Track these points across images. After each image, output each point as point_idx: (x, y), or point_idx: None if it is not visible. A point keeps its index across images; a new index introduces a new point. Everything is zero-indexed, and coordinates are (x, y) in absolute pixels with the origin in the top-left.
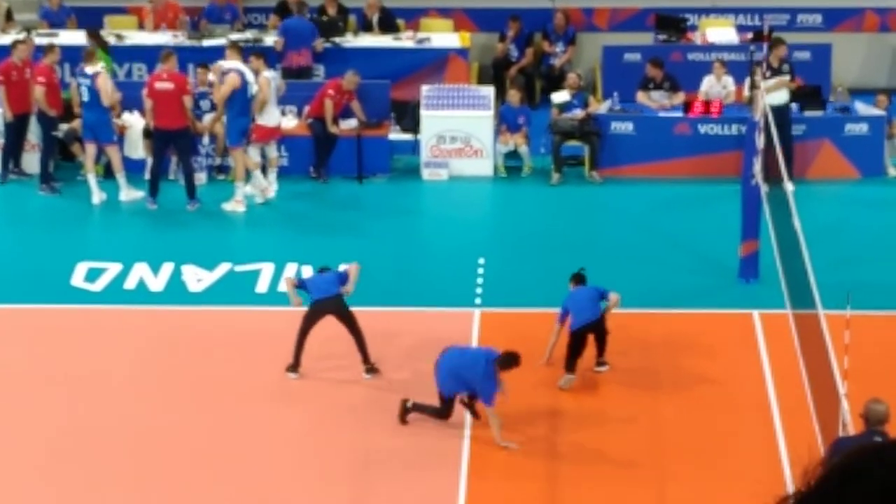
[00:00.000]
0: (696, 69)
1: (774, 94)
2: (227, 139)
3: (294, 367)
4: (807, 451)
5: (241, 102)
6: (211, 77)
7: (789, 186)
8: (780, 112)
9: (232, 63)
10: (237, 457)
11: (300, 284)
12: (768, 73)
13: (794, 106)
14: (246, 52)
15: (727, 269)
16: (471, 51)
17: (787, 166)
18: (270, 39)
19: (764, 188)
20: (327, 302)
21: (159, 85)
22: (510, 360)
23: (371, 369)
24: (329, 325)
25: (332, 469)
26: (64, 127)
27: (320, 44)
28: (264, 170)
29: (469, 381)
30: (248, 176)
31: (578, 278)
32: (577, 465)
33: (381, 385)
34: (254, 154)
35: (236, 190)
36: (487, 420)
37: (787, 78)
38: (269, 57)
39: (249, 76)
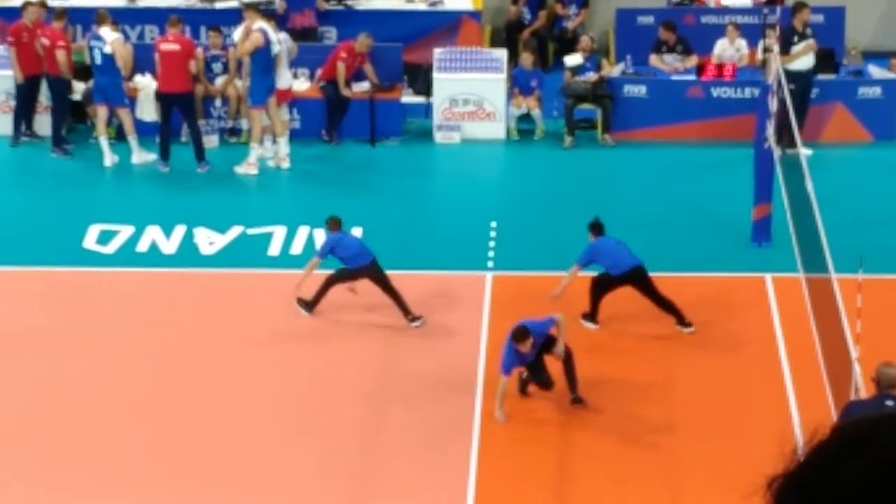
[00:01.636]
0: (710, 32)
1: (802, 58)
2: (249, 98)
3: (310, 305)
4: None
5: (265, 61)
6: (236, 35)
7: (806, 151)
8: (805, 77)
9: (258, 23)
10: (247, 421)
11: (329, 252)
12: (795, 38)
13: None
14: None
15: (739, 233)
16: (483, 13)
17: (799, 131)
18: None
19: (777, 152)
20: (369, 267)
21: (165, 46)
22: (518, 333)
23: (414, 318)
24: (343, 292)
25: (342, 437)
26: (81, 87)
27: (322, 3)
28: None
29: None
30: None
31: (598, 227)
32: (588, 432)
33: (394, 350)
34: (282, 113)
35: (250, 152)
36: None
37: (813, 42)
38: (279, 20)
39: (273, 35)
